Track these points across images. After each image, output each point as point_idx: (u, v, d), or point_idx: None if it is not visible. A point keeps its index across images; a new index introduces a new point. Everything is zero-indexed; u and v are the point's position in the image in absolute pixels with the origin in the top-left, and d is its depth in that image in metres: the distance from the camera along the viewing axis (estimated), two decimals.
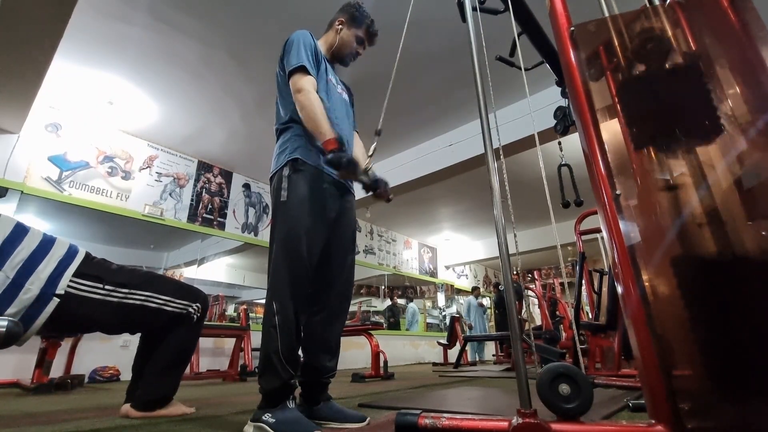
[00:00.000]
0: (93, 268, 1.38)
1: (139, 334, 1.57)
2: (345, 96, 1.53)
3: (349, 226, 1.43)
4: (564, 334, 4.25)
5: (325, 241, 1.31)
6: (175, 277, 5.19)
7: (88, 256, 1.41)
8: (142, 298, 1.40)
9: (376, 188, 1.32)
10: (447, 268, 9.08)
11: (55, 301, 1.24)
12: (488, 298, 10.34)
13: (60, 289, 1.26)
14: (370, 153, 1.32)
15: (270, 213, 5.66)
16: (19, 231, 1.29)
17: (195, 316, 1.51)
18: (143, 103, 3.88)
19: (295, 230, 1.23)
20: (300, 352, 1.27)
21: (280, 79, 1.42)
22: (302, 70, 1.29)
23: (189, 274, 5.18)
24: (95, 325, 1.39)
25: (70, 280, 1.29)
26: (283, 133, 1.38)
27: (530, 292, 5.67)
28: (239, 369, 3.73)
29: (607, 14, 1.09)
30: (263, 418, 1.09)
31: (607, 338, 2.82)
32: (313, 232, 1.25)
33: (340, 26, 1.52)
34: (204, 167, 5.05)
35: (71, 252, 1.37)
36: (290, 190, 1.26)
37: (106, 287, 1.35)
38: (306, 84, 1.27)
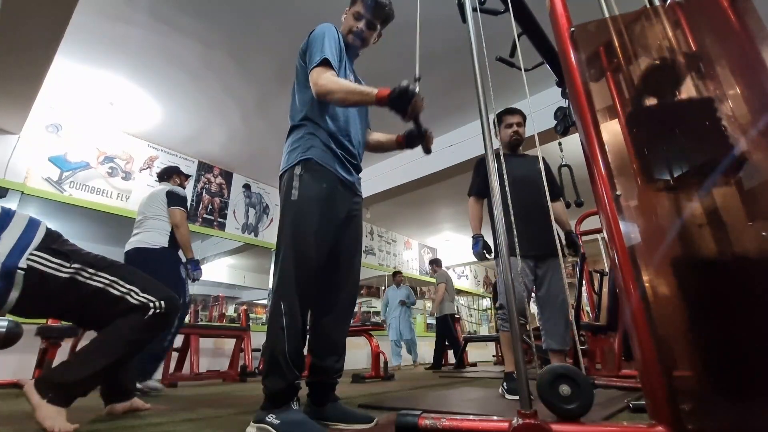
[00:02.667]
0: (61, 245, 1.30)
1: None
2: None
3: (356, 228, 1.43)
4: None
5: (333, 242, 1.31)
6: None
7: (49, 230, 1.34)
8: (106, 282, 1.30)
9: (427, 130, 1.38)
10: (447, 268, 9.08)
11: (20, 273, 1.18)
12: (488, 299, 10.33)
13: (22, 263, 1.20)
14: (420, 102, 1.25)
15: (269, 213, 5.66)
16: None
17: (153, 311, 1.32)
18: (144, 103, 3.89)
19: (305, 230, 1.22)
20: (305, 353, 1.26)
21: (299, 70, 1.40)
22: (326, 63, 1.28)
23: None
24: (54, 307, 1.31)
25: (34, 254, 1.23)
26: (296, 129, 1.36)
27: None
28: (239, 369, 3.73)
29: (607, 15, 1.09)
30: (267, 419, 1.08)
31: (607, 339, 2.82)
32: (322, 232, 1.25)
33: (345, 15, 1.51)
34: (204, 168, 5.05)
35: (32, 225, 1.30)
36: (302, 189, 1.25)
37: (73, 265, 1.27)
38: (325, 75, 1.26)
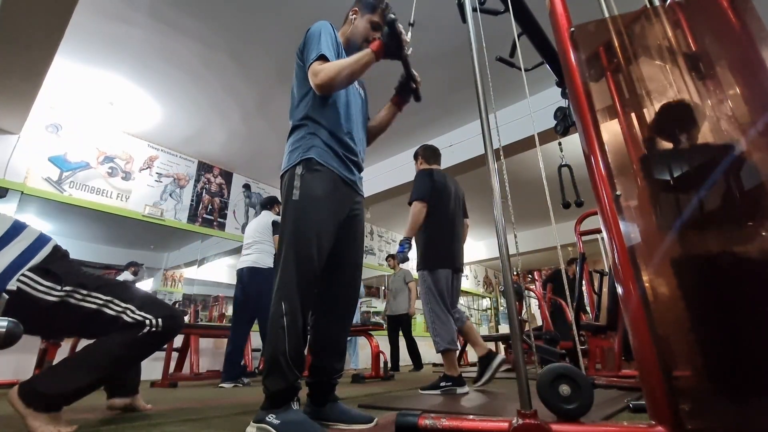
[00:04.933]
0: (56, 266, 1.25)
1: None
2: (361, 92, 1.53)
3: (358, 227, 1.43)
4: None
5: (335, 242, 1.31)
6: (175, 278, 5.19)
7: (55, 250, 1.28)
8: (101, 302, 1.25)
9: (414, 76, 1.42)
10: None
11: (5, 297, 1.14)
12: (488, 299, 10.33)
13: (12, 285, 1.15)
14: (408, 39, 1.34)
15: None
16: None
17: (149, 329, 1.26)
18: (144, 103, 3.89)
19: (306, 230, 1.22)
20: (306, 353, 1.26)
21: (298, 69, 1.40)
22: (323, 59, 1.28)
23: (189, 274, 5.18)
24: (45, 329, 1.26)
25: (26, 275, 1.18)
26: (297, 129, 1.36)
27: (530, 293, 5.67)
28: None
29: (607, 15, 1.09)
30: (267, 419, 1.08)
31: (607, 339, 2.82)
32: (324, 232, 1.24)
33: (354, 16, 1.50)
34: (204, 168, 5.06)
35: (37, 243, 1.25)
36: (303, 189, 1.25)
37: (65, 288, 1.22)
38: (321, 66, 1.27)
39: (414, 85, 1.45)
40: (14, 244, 1.20)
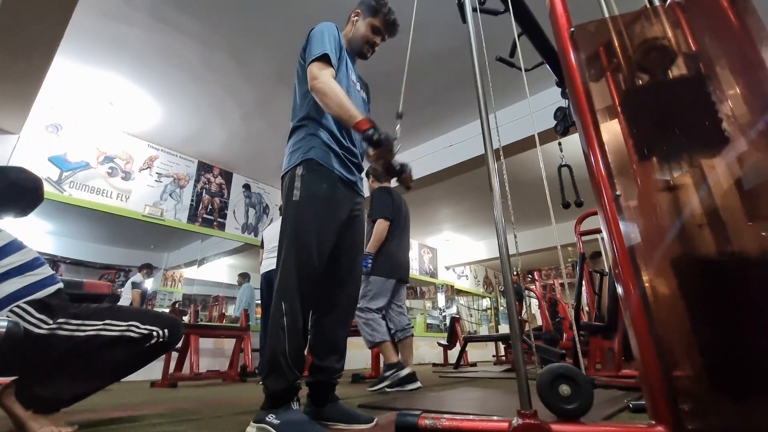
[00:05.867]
0: (53, 300, 1.24)
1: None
2: (363, 94, 1.53)
3: (358, 227, 1.43)
4: (565, 335, 4.24)
5: (335, 242, 1.31)
6: (175, 277, 5.19)
7: (58, 291, 1.28)
8: (98, 326, 1.23)
9: (402, 172, 1.34)
10: (447, 268, 9.08)
11: None
12: (488, 299, 10.32)
13: (2, 313, 1.15)
14: (396, 136, 1.27)
15: (269, 213, 5.66)
16: (13, 247, 1.23)
17: (156, 340, 1.29)
18: (144, 103, 3.89)
19: (307, 230, 1.22)
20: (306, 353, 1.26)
21: (300, 69, 1.40)
22: (324, 59, 1.27)
23: (189, 274, 5.18)
24: (27, 366, 1.20)
25: (21, 305, 1.17)
26: (297, 130, 1.36)
27: (530, 293, 5.67)
28: (239, 370, 3.73)
29: (607, 15, 1.09)
30: (267, 419, 1.08)
31: (607, 339, 2.81)
32: (324, 233, 1.25)
33: (356, 17, 1.51)
34: (204, 168, 5.05)
35: (46, 282, 1.25)
36: (303, 189, 1.25)
37: (57, 320, 1.19)
38: (324, 72, 1.25)
39: (400, 180, 1.39)
40: (26, 276, 1.21)
